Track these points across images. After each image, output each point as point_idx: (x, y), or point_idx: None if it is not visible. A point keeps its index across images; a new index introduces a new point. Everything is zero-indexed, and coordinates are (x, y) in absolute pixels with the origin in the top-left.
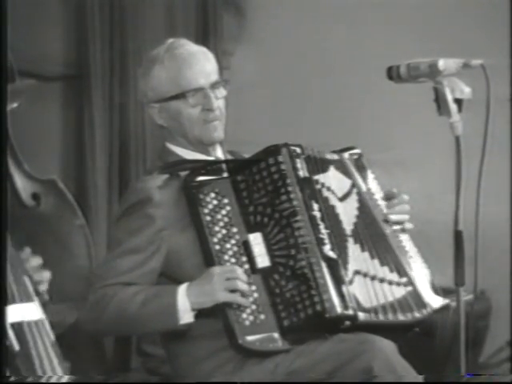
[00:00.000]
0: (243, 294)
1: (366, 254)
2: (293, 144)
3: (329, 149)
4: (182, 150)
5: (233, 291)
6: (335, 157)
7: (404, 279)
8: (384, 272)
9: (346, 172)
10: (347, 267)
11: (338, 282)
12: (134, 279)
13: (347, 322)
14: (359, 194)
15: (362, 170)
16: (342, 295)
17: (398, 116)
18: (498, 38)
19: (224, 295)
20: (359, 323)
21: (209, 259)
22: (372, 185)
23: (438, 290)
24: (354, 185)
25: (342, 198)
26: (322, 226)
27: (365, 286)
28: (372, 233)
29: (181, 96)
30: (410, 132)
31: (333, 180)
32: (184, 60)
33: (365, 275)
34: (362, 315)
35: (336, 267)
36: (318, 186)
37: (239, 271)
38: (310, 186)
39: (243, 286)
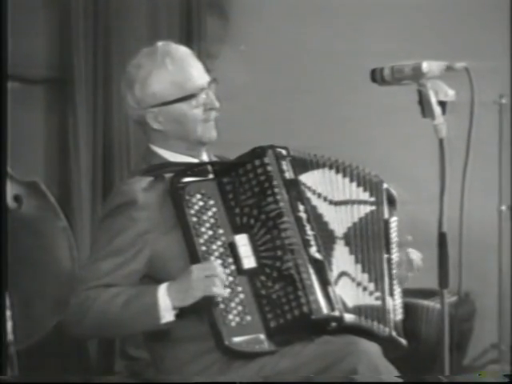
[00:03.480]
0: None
1: (353, 258)
2: (278, 146)
3: (315, 150)
4: (165, 151)
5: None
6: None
7: (377, 293)
8: (362, 277)
9: (364, 185)
10: (332, 268)
11: (325, 283)
12: (115, 281)
13: (333, 324)
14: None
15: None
16: (328, 297)
17: (382, 118)
18: (484, 40)
19: (201, 289)
20: (345, 325)
21: (195, 260)
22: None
23: (400, 331)
24: (367, 202)
25: (338, 202)
26: (307, 228)
27: (351, 288)
28: (368, 246)
29: (188, 98)
30: (394, 134)
31: (321, 180)
32: (183, 62)
33: (350, 277)
34: (347, 317)
35: (322, 269)
36: (302, 187)
37: (218, 268)
38: (295, 188)
39: (221, 284)
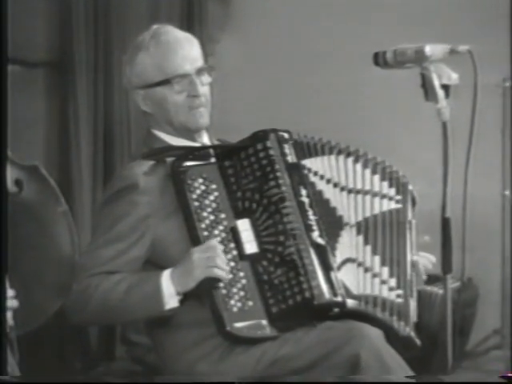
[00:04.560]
0: (221, 268)
1: (368, 248)
2: (280, 129)
3: (317, 134)
4: (167, 136)
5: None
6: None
7: (400, 291)
8: (383, 273)
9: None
10: (335, 253)
11: (327, 268)
12: (117, 267)
13: (336, 309)
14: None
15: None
16: (330, 282)
17: (384, 102)
18: (486, 23)
19: (203, 271)
20: (348, 310)
21: (197, 245)
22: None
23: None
24: (392, 198)
25: (353, 190)
26: (310, 213)
27: (356, 275)
28: (391, 242)
29: (166, 82)
30: (396, 118)
31: (331, 166)
32: (169, 46)
33: (358, 264)
34: (350, 302)
35: (324, 254)
36: (305, 172)
37: (219, 248)
38: (298, 172)
39: (222, 263)
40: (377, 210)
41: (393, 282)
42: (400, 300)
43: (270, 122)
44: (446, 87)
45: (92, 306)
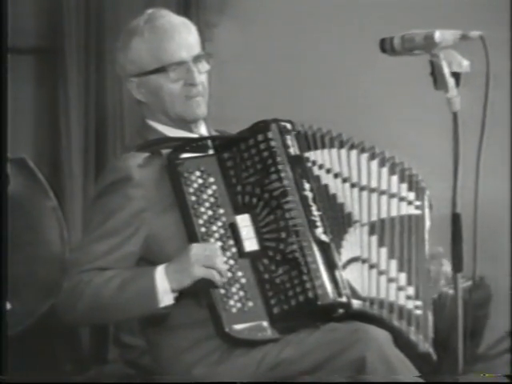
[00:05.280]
0: (220, 273)
1: (384, 251)
2: (282, 120)
3: (320, 126)
4: (163, 126)
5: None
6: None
7: (418, 302)
8: (400, 278)
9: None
10: (341, 251)
11: (331, 267)
12: (110, 263)
13: (340, 310)
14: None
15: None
16: (335, 281)
17: (392, 91)
18: (497, 9)
19: (201, 270)
20: (353, 312)
21: (194, 242)
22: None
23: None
24: (411, 203)
25: (366, 188)
26: (313, 208)
27: (365, 276)
28: (409, 248)
29: (161, 70)
30: (404, 108)
31: (340, 160)
32: (165, 32)
33: (371, 266)
34: (356, 303)
35: (329, 252)
36: (309, 164)
37: (218, 249)
38: (301, 165)
39: (221, 265)
40: (394, 213)
41: (411, 290)
42: (419, 312)
43: (271, 112)
44: (456, 75)
45: (83, 303)
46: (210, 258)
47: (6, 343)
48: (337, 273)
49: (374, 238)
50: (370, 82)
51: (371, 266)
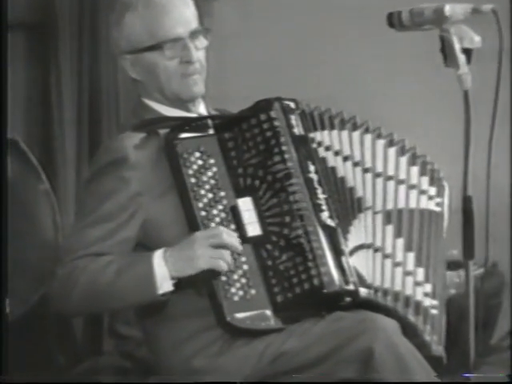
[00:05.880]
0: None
1: (401, 242)
2: (286, 98)
3: (324, 104)
4: (159, 105)
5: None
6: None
7: (435, 302)
8: (418, 273)
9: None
10: (347, 237)
11: (338, 253)
12: (106, 249)
13: (347, 298)
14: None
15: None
16: (341, 268)
17: (400, 68)
18: None
19: (206, 262)
20: (360, 300)
21: (194, 227)
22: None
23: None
24: (432, 198)
25: (381, 175)
26: (319, 191)
27: (373, 263)
28: (428, 245)
29: (157, 47)
30: (413, 86)
31: (352, 142)
32: (160, 6)
33: (385, 256)
34: (363, 291)
35: (335, 237)
36: (314, 145)
37: (225, 235)
38: (305, 146)
39: (227, 255)
40: (413, 205)
41: (428, 287)
42: (435, 312)
43: (273, 91)
44: (467, 51)
45: (78, 291)
46: (216, 251)
47: (6, 343)
48: (343, 259)
49: (390, 228)
50: (377, 59)
51: (385, 256)
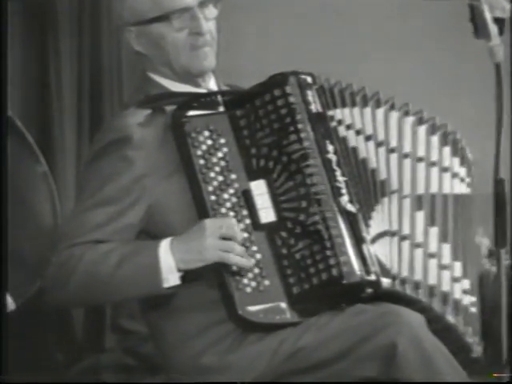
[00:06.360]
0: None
1: (435, 231)
2: (303, 72)
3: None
4: (166, 80)
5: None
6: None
7: (474, 299)
8: (455, 268)
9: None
10: (369, 223)
11: (358, 241)
12: (106, 236)
13: (369, 290)
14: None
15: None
16: (362, 257)
17: (426, 41)
18: None
19: (216, 254)
20: (383, 292)
21: (203, 212)
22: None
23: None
24: (464, 180)
25: (408, 155)
26: (338, 173)
27: (401, 252)
28: (465, 235)
29: (163, 18)
30: (440, 60)
31: (375, 121)
32: None
33: (416, 245)
34: (386, 282)
35: (356, 223)
36: (334, 124)
37: (236, 227)
38: (323, 124)
39: (240, 248)
40: (447, 190)
41: (467, 284)
42: (474, 310)
43: (289, 64)
44: (499, 21)
45: (75, 280)
46: (226, 242)
47: (6, 343)
48: (364, 247)
49: (421, 214)
50: (401, 31)
51: (416, 245)
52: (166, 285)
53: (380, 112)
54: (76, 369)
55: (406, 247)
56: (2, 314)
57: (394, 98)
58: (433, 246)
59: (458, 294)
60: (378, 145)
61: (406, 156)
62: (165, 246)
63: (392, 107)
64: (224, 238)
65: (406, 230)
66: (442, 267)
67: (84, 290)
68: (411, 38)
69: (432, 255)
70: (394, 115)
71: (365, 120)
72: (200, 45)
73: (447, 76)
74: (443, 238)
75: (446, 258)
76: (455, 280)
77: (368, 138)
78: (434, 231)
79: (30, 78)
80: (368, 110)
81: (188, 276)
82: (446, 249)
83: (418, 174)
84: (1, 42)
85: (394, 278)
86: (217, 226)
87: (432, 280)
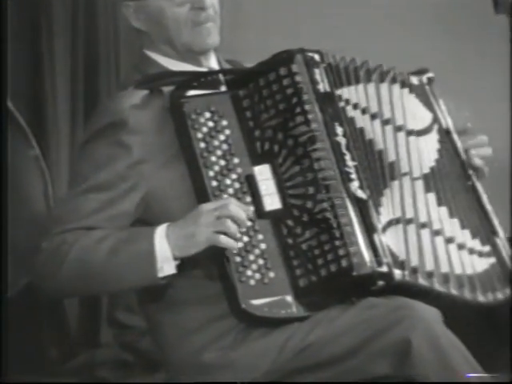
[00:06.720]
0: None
1: (444, 210)
2: (310, 50)
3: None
4: (165, 59)
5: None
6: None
7: (487, 248)
8: (464, 237)
9: (425, 100)
10: (379, 211)
11: (369, 230)
12: (100, 223)
13: (380, 282)
14: (440, 131)
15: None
16: (374, 247)
17: (439, 15)
18: None
19: (209, 237)
20: (395, 284)
21: (203, 199)
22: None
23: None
24: (436, 119)
25: (415, 132)
26: (347, 157)
27: (420, 241)
28: (454, 184)
29: None
30: (458, 37)
31: (380, 96)
32: None
33: (436, 233)
34: (398, 273)
35: (366, 211)
36: (342, 104)
37: (231, 206)
38: (332, 104)
39: (234, 227)
40: (435, 153)
41: (477, 243)
42: (493, 260)
43: (295, 41)
44: None
45: (66, 268)
46: (220, 221)
47: (5, 344)
48: (376, 237)
49: (431, 197)
50: (415, 6)
51: (436, 233)
52: (161, 274)
53: (384, 86)
54: (70, 365)
55: (426, 237)
56: (2, 315)
57: (394, 67)
58: (459, 235)
59: (460, 266)
60: (385, 123)
61: (412, 133)
62: (160, 233)
63: (394, 81)
64: (218, 219)
65: (423, 218)
66: (471, 252)
67: (76, 280)
68: (432, 13)
69: (450, 240)
70: (397, 88)
71: (369, 96)
72: (202, 20)
73: (465, 49)
74: (462, 225)
75: (469, 241)
76: (471, 252)
77: (373, 117)
78: (456, 221)
79: (20, 52)
80: (372, 86)
81: (184, 265)
82: (467, 235)
83: (422, 150)
84: (1, 34)
85: (414, 271)
86: (213, 207)
87: (458, 270)
